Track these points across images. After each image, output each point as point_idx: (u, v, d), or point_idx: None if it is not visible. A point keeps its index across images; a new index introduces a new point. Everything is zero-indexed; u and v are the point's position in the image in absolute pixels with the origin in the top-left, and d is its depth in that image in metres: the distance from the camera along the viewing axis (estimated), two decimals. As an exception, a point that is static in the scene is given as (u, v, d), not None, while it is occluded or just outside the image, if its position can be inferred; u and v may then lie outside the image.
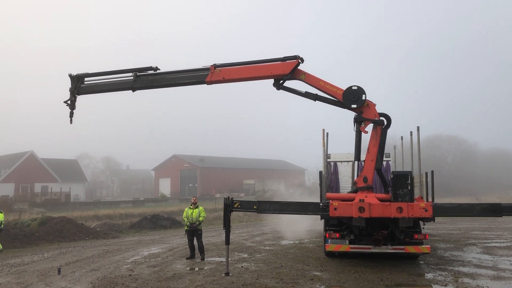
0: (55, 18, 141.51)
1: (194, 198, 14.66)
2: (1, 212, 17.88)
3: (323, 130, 14.04)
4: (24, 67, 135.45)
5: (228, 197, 11.72)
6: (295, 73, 11.63)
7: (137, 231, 24.80)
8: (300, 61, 11.54)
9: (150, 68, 12.50)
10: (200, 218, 13.98)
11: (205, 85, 12.15)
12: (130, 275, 11.60)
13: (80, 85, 12.89)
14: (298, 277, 10.89)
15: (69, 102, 13.04)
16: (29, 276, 11.80)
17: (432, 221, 11.44)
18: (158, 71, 12.44)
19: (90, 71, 12.99)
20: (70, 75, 12.97)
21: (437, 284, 10.02)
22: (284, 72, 11.56)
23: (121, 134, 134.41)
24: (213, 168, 76.03)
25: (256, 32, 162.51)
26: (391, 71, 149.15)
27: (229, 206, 11.45)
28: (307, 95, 11.84)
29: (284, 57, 11.68)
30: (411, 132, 13.71)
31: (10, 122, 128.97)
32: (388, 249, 11.90)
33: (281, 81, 11.77)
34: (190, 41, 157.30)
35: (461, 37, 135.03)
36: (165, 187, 77.61)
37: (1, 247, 17.44)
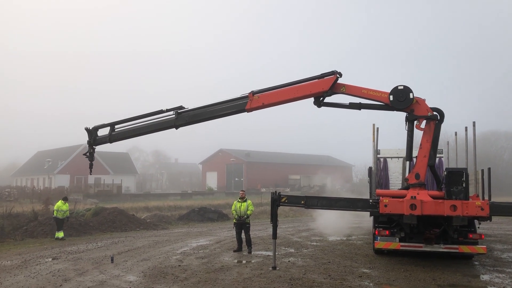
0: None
1: (242, 192, 14.77)
2: (66, 203, 18.79)
3: (373, 125, 13.72)
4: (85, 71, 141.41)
5: (276, 192, 11.71)
6: (335, 88, 11.36)
7: (185, 223, 25.33)
8: (338, 75, 11.25)
9: (160, 112, 12.36)
10: (248, 212, 14.07)
11: (246, 112, 12.00)
12: (179, 265, 11.86)
13: (111, 132, 12.90)
14: (346, 273, 10.75)
15: (88, 154, 13.17)
16: (85, 263, 12.32)
17: (488, 221, 10.96)
18: (199, 106, 12.26)
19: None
20: (86, 129, 13.00)
21: (493, 286, 9.58)
22: (324, 89, 11.30)
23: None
24: (259, 163, 76.42)
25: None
26: (446, 66, 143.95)
27: (277, 201, 11.43)
28: (351, 106, 11.58)
29: (321, 74, 11.43)
30: (466, 127, 13.18)
31: (66, 116, 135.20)
32: (441, 248, 11.53)
33: (321, 98, 11.55)
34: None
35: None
36: (212, 180, 78.86)
37: (63, 234, 18.30)
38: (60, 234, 18.18)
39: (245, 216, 14.03)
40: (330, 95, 11.46)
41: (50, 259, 13.13)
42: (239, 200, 14.24)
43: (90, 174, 13.88)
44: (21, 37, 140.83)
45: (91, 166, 13.31)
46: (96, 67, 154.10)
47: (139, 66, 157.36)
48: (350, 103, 11.61)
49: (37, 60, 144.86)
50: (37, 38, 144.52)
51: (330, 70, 11.33)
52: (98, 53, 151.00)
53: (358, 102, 11.57)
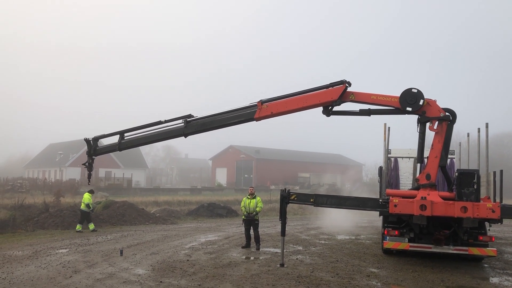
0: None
1: (251, 188, 14.79)
2: (90, 194, 19.13)
3: (385, 124, 13.71)
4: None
5: (285, 189, 11.72)
6: (343, 97, 11.31)
7: (194, 218, 25.45)
8: (347, 84, 11.20)
9: (160, 122, 12.51)
10: (257, 209, 14.09)
11: (255, 121, 11.97)
12: (188, 260, 11.94)
13: (121, 140, 12.93)
14: (354, 272, 10.73)
15: (87, 164, 13.28)
16: (94, 256, 12.45)
17: (499, 223, 10.86)
18: (207, 114, 12.32)
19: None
20: (86, 140, 13.15)
21: (503, 289, 9.52)
22: (333, 98, 11.27)
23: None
24: (268, 160, 76.44)
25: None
26: (460, 66, 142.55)
27: (286, 198, 11.45)
28: (361, 112, 11.55)
29: (330, 83, 11.38)
30: (478, 129, 13.08)
31: (77, 109, 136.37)
32: (450, 250, 11.45)
33: (330, 108, 11.52)
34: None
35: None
36: (221, 176, 79.04)
37: (93, 226, 18.65)
38: (92, 226, 18.60)
39: (254, 212, 14.06)
40: (339, 104, 11.43)
41: (61, 251, 13.29)
42: (248, 197, 14.26)
43: (89, 184, 14.09)
44: (35, 29, 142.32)
45: (89, 176, 13.42)
46: (110, 62, 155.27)
47: (152, 61, 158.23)
48: (360, 110, 11.55)
49: (51, 53, 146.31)
50: (50, 31, 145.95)
51: (339, 80, 11.27)
52: (113, 46, 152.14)
53: (367, 108, 11.52)
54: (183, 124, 12.29)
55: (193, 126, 12.32)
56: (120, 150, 13.10)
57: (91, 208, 18.82)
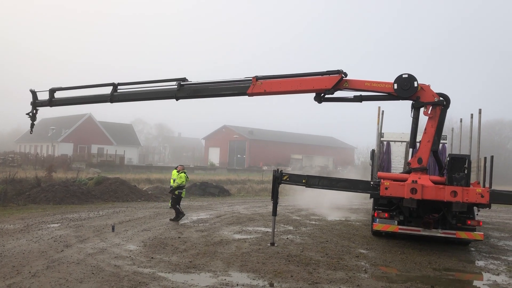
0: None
1: (179, 166, 16.15)
2: (184, 172, 16.93)
3: (379, 108, 13.69)
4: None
5: (278, 169, 11.76)
6: (337, 86, 11.24)
7: (186, 197, 25.39)
8: (343, 75, 11.12)
9: (154, 81, 12.60)
10: (174, 184, 15.53)
11: (247, 96, 11.92)
12: (179, 237, 12.02)
13: (113, 92, 12.73)
14: (343, 253, 10.88)
15: (30, 114, 13.54)
16: (86, 231, 12.50)
17: (487, 208, 11.02)
18: (202, 81, 12.25)
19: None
20: (31, 90, 13.44)
21: (488, 272, 9.71)
22: (327, 86, 11.20)
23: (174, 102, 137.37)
24: (261, 141, 76.55)
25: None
26: (456, 53, 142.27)
27: (278, 178, 11.51)
28: (353, 99, 11.54)
29: (326, 71, 11.27)
30: (471, 114, 13.12)
31: (71, 83, 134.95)
32: (438, 233, 11.61)
33: (322, 95, 11.47)
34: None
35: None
36: (214, 156, 79.16)
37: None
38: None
39: (172, 187, 15.58)
40: (332, 93, 11.39)
41: (53, 225, 13.32)
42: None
43: (31, 133, 14.31)
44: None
45: (32, 126, 13.72)
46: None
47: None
48: (354, 96, 11.52)
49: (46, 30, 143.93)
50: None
51: (337, 69, 11.16)
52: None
53: (358, 95, 11.49)
54: (176, 86, 12.27)
55: (186, 90, 12.25)
56: (111, 102, 12.88)
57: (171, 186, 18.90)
